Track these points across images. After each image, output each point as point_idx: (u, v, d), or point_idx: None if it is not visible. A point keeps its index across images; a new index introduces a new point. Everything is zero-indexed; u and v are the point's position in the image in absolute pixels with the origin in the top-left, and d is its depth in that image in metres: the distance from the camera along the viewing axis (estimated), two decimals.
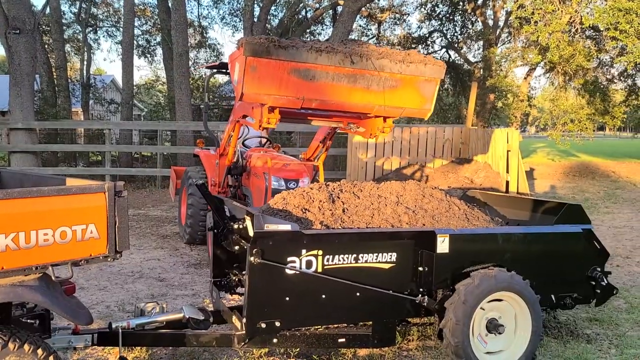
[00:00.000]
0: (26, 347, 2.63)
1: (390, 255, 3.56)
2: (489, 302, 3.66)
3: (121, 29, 21.41)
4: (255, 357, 3.89)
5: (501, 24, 22.41)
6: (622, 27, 11.46)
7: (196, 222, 7.26)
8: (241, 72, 4.53)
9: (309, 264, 3.37)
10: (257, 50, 4.44)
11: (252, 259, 3.22)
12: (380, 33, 26.15)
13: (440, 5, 24.24)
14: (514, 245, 3.91)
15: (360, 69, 4.76)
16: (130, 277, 6.12)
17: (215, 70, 7.63)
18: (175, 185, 8.39)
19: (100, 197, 2.75)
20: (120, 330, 3.33)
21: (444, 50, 25.54)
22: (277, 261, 3.30)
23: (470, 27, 24.85)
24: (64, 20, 22.37)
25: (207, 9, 42.31)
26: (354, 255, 3.47)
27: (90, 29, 25.60)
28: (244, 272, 3.46)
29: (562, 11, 12.57)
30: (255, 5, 18.28)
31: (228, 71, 7.42)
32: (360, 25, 25.69)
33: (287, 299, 3.35)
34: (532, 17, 12.82)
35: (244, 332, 3.35)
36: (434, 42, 25.62)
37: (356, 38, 26.00)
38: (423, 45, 25.39)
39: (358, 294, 3.49)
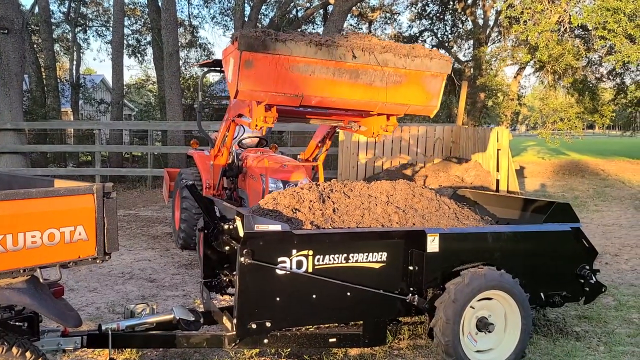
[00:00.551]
0: (14, 350, 2.61)
1: (381, 255, 3.57)
2: (478, 300, 3.69)
3: (111, 29, 21.28)
4: (246, 358, 3.88)
5: (491, 23, 22.51)
6: (610, 26, 11.55)
7: (190, 226, 6.92)
8: (236, 68, 4.28)
9: (299, 264, 3.37)
10: (252, 44, 4.17)
11: (242, 259, 3.21)
12: (371, 32, 26.17)
13: (431, 5, 24.33)
14: (503, 243, 3.93)
15: (362, 64, 4.49)
16: (120, 278, 6.09)
17: (208, 69, 7.40)
18: (169, 187, 8.18)
19: (88, 199, 2.73)
20: (110, 332, 3.32)
21: (434, 49, 25.61)
22: (268, 261, 3.29)
23: (460, 26, 24.96)
24: (53, 20, 22.19)
25: (198, 8, 42.03)
26: (345, 255, 3.48)
27: (80, 28, 25.42)
28: (234, 273, 3.46)
29: (551, 10, 12.65)
30: (246, 5, 18.24)
31: (222, 69, 7.31)
32: (351, 25, 25.71)
33: (278, 299, 3.35)
34: (521, 17, 12.89)
35: (234, 332, 3.35)
36: (425, 41, 25.68)
37: None
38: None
39: (349, 293, 3.50)
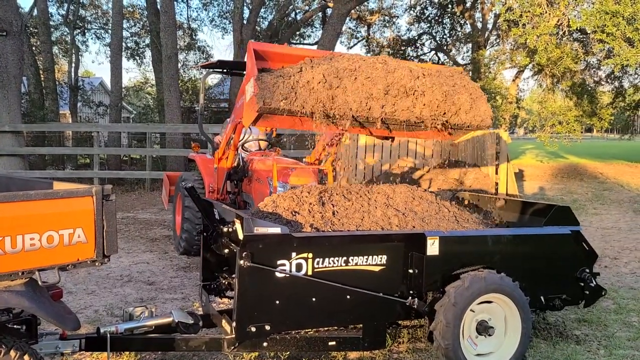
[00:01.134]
0: (12, 353, 2.60)
1: (381, 258, 3.56)
2: (478, 304, 3.67)
3: (110, 31, 21.28)
4: None
5: (490, 26, 22.60)
6: (608, 29, 11.58)
7: (192, 234, 6.63)
8: (252, 113, 3.88)
9: (299, 267, 3.36)
10: (271, 108, 3.78)
11: (241, 262, 3.20)
12: (370, 35, 26.24)
13: (430, 8, 24.41)
14: (503, 247, 3.92)
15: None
16: (119, 281, 6.07)
17: (211, 70, 7.24)
18: (168, 192, 7.99)
19: (87, 201, 2.72)
20: (108, 335, 3.30)
21: (433, 52, 25.71)
22: (267, 264, 3.28)
23: (459, 29, 25.04)
24: (51, 22, 22.20)
25: (197, 11, 42.07)
26: (344, 258, 3.47)
27: (79, 30, 25.42)
28: (233, 276, 3.45)
29: (549, 14, 12.68)
30: (245, 8, 18.26)
31: (225, 70, 7.24)
32: (349, 28, 25.80)
33: (277, 302, 3.33)
34: (520, 20, 12.92)
35: (233, 336, 3.33)
36: (423, 44, 25.79)
37: (345, 41, 26.09)
38: (412, 48, 25.54)
39: (348, 296, 3.48)
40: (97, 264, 2.79)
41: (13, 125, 12.96)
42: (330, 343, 3.63)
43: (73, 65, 24.57)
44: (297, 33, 24.17)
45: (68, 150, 17.48)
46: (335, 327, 3.78)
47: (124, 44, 22.29)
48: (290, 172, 5.95)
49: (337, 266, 3.45)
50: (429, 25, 24.82)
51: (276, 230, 3.34)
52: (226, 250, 3.88)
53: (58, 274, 2.69)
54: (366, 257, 3.53)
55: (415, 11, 24.56)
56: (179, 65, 20.10)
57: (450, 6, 23.47)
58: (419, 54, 25.84)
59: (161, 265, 6.80)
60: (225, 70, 7.21)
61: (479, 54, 19.85)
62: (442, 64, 25.18)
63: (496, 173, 9.84)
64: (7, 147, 12.95)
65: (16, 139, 13.20)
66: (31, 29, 20.19)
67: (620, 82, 21.28)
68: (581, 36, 16.47)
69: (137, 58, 26.53)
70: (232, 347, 3.41)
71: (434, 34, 25.08)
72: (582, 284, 4.14)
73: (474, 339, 3.72)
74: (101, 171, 14.07)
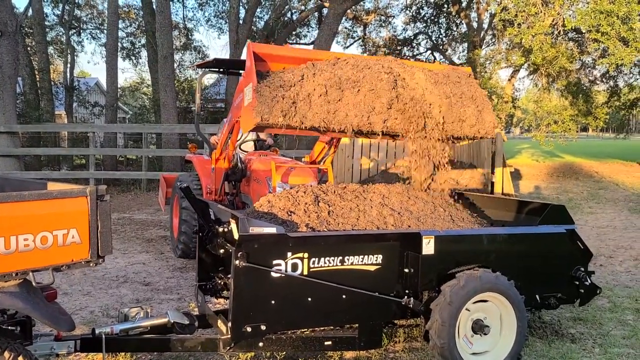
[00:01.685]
0: (7, 354, 2.58)
1: (376, 257, 3.56)
2: (474, 303, 3.68)
3: (105, 31, 21.24)
4: None
5: (485, 26, 22.64)
6: (603, 29, 11.61)
7: (190, 237, 6.56)
8: (249, 123, 3.85)
9: (294, 267, 3.35)
10: (269, 123, 3.77)
11: (237, 262, 3.19)
12: (366, 35, 26.25)
13: (425, 8, 24.44)
14: (498, 246, 3.92)
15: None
16: (114, 281, 6.06)
17: (207, 70, 7.12)
18: (165, 194, 7.86)
19: (82, 202, 2.71)
20: (103, 336, 3.29)
21: (429, 52, 25.74)
22: (263, 264, 3.28)
23: (454, 29, 25.08)
24: (46, 23, 22.16)
25: (192, 11, 42.09)
26: (340, 258, 3.46)
27: (74, 31, 25.37)
28: (229, 276, 3.44)
29: (544, 14, 12.71)
30: (241, 8, 18.24)
31: (221, 69, 7.19)
32: (346, 27, 25.80)
33: (273, 302, 3.33)
34: (515, 20, 12.95)
35: (229, 336, 3.32)
36: (419, 44, 25.83)
37: (342, 41, 26.10)
38: (408, 47, 25.57)
39: (344, 296, 3.48)
40: (91, 264, 2.79)
41: (8, 125, 12.92)
42: (326, 343, 3.63)
43: (68, 65, 24.51)
44: (293, 33, 24.18)
45: (64, 151, 17.44)
46: (331, 327, 3.78)
47: (119, 44, 22.24)
48: (289, 172, 5.86)
49: (333, 266, 3.45)
50: (424, 25, 24.85)
51: (272, 230, 3.33)
52: (222, 251, 3.88)
53: (52, 275, 2.68)
54: (362, 256, 3.52)
55: (411, 11, 24.60)
56: (175, 65, 20.06)
57: (446, 6, 23.51)
58: (415, 53, 25.88)
59: (157, 266, 6.78)
60: (221, 70, 7.17)
61: (475, 53, 19.87)
62: (438, 63, 25.21)
63: (492, 172, 9.87)
64: (3, 147, 12.91)
65: (11, 140, 13.15)
66: (26, 29, 20.13)
67: (615, 82, 21.35)
68: (576, 36, 16.53)
69: (133, 58, 26.53)
70: (228, 348, 3.40)
71: (430, 34, 25.12)
72: (577, 283, 4.15)
73: (470, 337, 3.72)
74: (97, 172, 14.04)
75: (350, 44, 26.76)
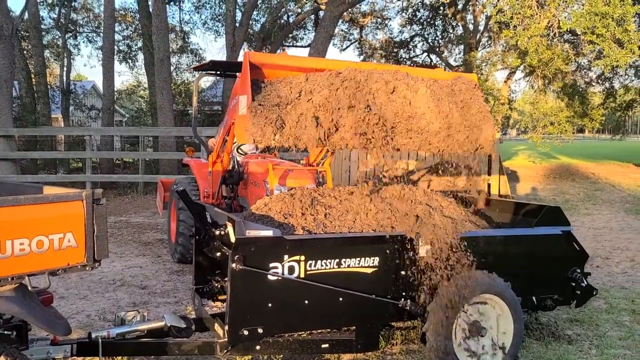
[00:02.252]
0: (3, 359, 2.58)
1: (373, 260, 3.56)
2: (471, 304, 3.68)
3: (102, 34, 21.22)
4: None
5: (481, 28, 22.70)
6: (598, 31, 11.65)
7: (188, 242, 6.37)
8: (243, 138, 3.80)
9: (291, 270, 3.35)
10: (260, 143, 3.74)
11: (234, 265, 3.19)
12: (363, 37, 26.29)
13: (421, 10, 24.49)
14: (495, 247, 3.93)
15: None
16: (111, 285, 6.05)
17: (204, 73, 7.11)
18: (163, 198, 7.82)
19: (78, 205, 2.71)
20: (100, 340, 3.28)
21: (425, 54, 25.80)
22: (259, 267, 3.28)
23: (451, 31, 25.13)
24: (43, 26, 22.11)
25: (189, 14, 42.05)
26: (337, 260, 3.46)
27: (70, 34, 25.35)
28: (226, 279, 3.44)
29: (540, 16, 12.75)
30: (237, 10, 18.26)
31: (218, 72, 7.18)
32: (342, 30, 25.82)
33: (270, 305, 3.33)
34: (511, 22, 12.98)
35: (226, 339, 3.32)
36: (416, 46, 25.88)
37: (338, 44, 26.14)
38: (405, 50, 25.62)
39: (341, 299, 3.48)
40: (87, 268, 2.78)
41: (4, 129, 12.90)
42: (323, 345, 3.63)
43: (65, 68, 24.47)
44: (290, 35, 24.20)
45: (60, 155, 17.40)
46: (328, 330, 3.78)
47: (116, 47, 22.22)
48: (287, 174, 5.81)
49: (330, 268, 3.45)
50: (421, 27, 24.89)
51: (268, 233, 3.34)
52: (218, 254, 3.88)
53: (48, 279, 2.68)
54: (358, 259, 3.52)
55: (407, 13, 24.63)
56: (172, 68, 20.07)
57: (442, 8, 23.56)
58: (411, 55, 25.93)
59: (154, 269, 6.77)
60: (218, 72, 7.17)
61: (471, 55, 19.93)
62: (435, 65, 25.28)
63: (489, 174, 9.88)
64: None
65: (8, 143, 13.13)
66: (22, 32, 20.10)
67: (610, 83, 21.44)
68: (572, 37, 16.59)
69: (130, 61, 26.48)
70: (225, 351, 3.39)
71: (426, 36, 25.16)
72: (574, 284, 4.16)
73: (467, 339, 3.73)
74: (93, 175, 14.02)
75: (347, 47, 26.80)
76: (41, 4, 22.03)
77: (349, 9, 20.44)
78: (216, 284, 4.14)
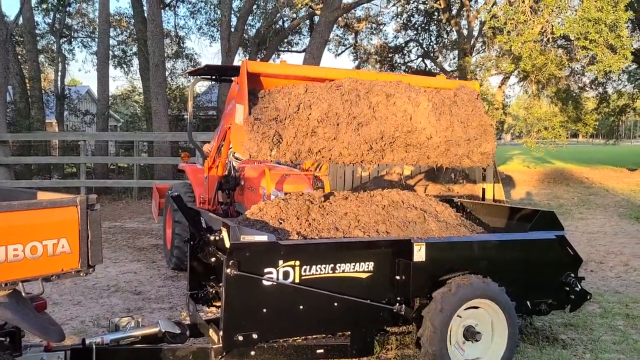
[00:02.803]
0: None
1: (368, 265, 3.56)
2: (465, 309, 3.69)
3: (96, 39, 21.19)
4: None
5: (475, 33, 22.78)
6: (591, 36, 11.73)
7: (184, 248, 6.27)
8: (239, 150, 3.89)
9: (286, 275, 3.35)
10: (257, 157, 3.80)
11: (228, 270, 3.19)
12: (357, 42, 26.36)
13: (416, 16, 24.59)
14: (489, 252, 3.94)
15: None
16: (105, 291, 6.02)
17: (199, 77, 7.09)
18: (158, 205, 7.74)
19: (72, 211, 2.70)
20: (94, 346, 3.27)
21: (420, 59, 25.89)
22: (254, 273, 3.27)
23: (445, 36, 25.24)
24: (37, 31, 22.07)
25: (184, 19, 42.09)
26: (331, 265, 3.47)
27: (65, 39, 25.29)
28: (220, 284, 3.43)
29: (533, 21, 12.82)
30: (232, 16, 18.27)
31: (213, 76, 7.17)
32: (337, 35, 25.88)
33: (265, 310, 3.33)
34: (505, 27, 13.05)
35: (221, 345, 3.31)
36: (410, 51, 25.96)
37: (333, 49, 26.20)
38: (400, 55, 25.70)
39: (336, 304, 3.48)
40: (81, 274, 2.77)
41: None
42: (318, 351, 3.62)
43: (59, 73, 24.42)
44: (285, 40, 24.23)
45: (54, 160, 17.35)
46: (323, 335, 3.78)
47: (111, 52, 22.19)
48: (284, 179, 5.77)
49: (324, 273, 3.45)
50: (415, 32, 24.99)
51: (263, 238, 3.34)
52: (213, 259, 3.87)
53: (42, 285, 2.67)
54: (353, 264, 3.53)
55: (402, 19, 24.72)
56: (167, 73, 20.04)
57: (436, 14, 23.67)
58: (406, 60, 26.02)
59: (149, 275, 6.75)
60: (213, 77, 7.16)
61: (465, 60, 19.99)
62: (429, 70, 25.39)
63: (483, 179, 9.91)
64: None
65: (1, 149, 13.07)
66: (17, 37, 20.06)
67: (604, 88, 21.57)
68: (565, 43, 16.68)
69: (125, 66, 26.45)
70: (220, 357, 3.39)
71: (421, 41, 25.25)
72: (568, 289, 4.17)
73: (461, 344, 3.73)
74: (88, 180, 13.96)
75: (342, 52, 26.87)
76: (36, 9, 22.00)
77: (344, 14, 20.50)
78: (211, 290, 4.14)
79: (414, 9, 24.29)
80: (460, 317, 3.70)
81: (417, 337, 3.66)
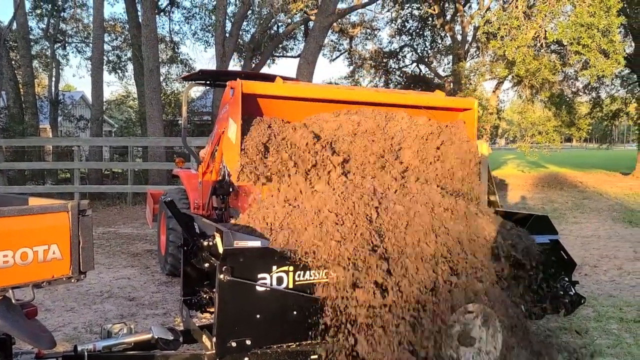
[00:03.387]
0: None
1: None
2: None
3: (91, 45, 21.16)
4: None
5: (469, 39, 22.91)
6: (584, 41, 11.82)
7: (178, 255, 6.25)
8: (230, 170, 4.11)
9: (279, 281, 3.33)
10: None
11: (221, 276, 3.17)
12: (352, 48, 26.45)
13: (410, 21, 24.70)
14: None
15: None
16: (98, 297, 5.98)
17: (194, 83, 7.10)
18: (153, 210, 7.73)
19: (63, 217, 2.68)
20: (86, 354, 3.23)
21: (414, 64, 25.99)
22: (248, 278, 3.25)
23: (439, 42, 25.38)
24: (31, 36, 22.01)
25: (179, 25, 42.01)
26: (325, 270, 3.45)
27: (59, 44, 25.25)
28: (214, 290, 3.41)
29: (527, 26, 12.90)
30: (227, 21, 18.29)
31: (208, 81, 7.14)
32: (332, 40, 25.96)
33: (258, 316, 3.30)
34: (498, 33, 13.13)
35: (214, 351, 3.29)
36: (405, 56, 26.08)
37: (328, 54, 26.26)
38: (394, 60, 25.80)
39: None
40: (73, 280, 2.75)
41: None
42: (312, 357, 3.60)
43: (53, 79, 24.36)
44: (280, 46, 24.28)
45: (48, 165, 17.25)
46: (317, 341, 3.75)
47: (105, 57, 22.18)
48: None
49: (319, 279, 3.43)
50: (410, 37, 25.11)
51: (256, 243, 3.32)
52: (206, 265, 3.84)
53: (32, 292, 2.64)
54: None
55: (397, 24, 24.83)
56: (161, 78, 20.03)
57: (430, 19, 23.79)
58: (400, 65, 26.12)
59: (142, 281, 6.71)
60: (208, 82, 7.15)
61: (460, 65, 20.09)
62: (424, 75, 25.48)
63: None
64: None
65: None
66: (10, 42, 19.98)
67: (597, 93, 21.71)
68: (558, 48, 16.79)
69: (119, 71, 26.41)
70: None
71: (415, 47, 25.38)
72: (562, 293, 4.17)
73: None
74: (82, 186, 13.91)
75: (337, 57, 26.95)
76: (30, 14, 21.96)
77: (339, 20, 20.56)
78: (204, 295, 4.11)
79: (408, 14, 24.42)
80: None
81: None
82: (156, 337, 3.52)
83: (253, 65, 21.18)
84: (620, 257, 7.96)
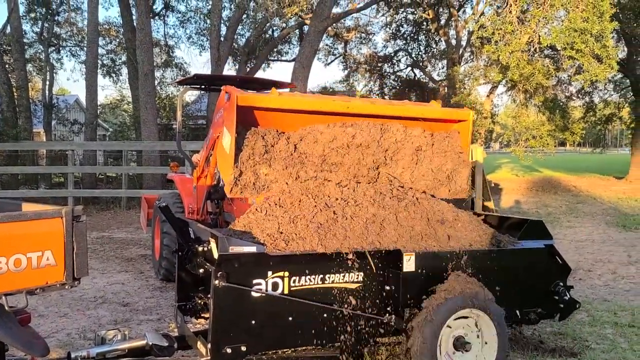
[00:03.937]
0: None
1: (357, 275, 3.55)
2: (455, 319, 3.68)
3: (85, 48, 21.08)
4: None
5: (464, 43, 23.01)
6: (578, 46, 11.89)
7: (172, 260, 6.25)
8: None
9: (275, 286, 3.33)
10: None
11: (216, 282, 3.16)
12: (347, 52, 26.50)
13: (405, 25, 24.79)
14: (478, 262, 3.94)
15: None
16: (92, 302, 5.94)
17: (188, 87, 7.09)
18: (147, 215, 7.69)
19: (57, 223, 2.67)
20: None
21: (409, 68, 26.07)
22: (243, 284, 3.24)
23: (434, 46, 25.47)
24: (25, 40, 21.89)
25: (174, 28, 42.01)
26: (321, 276, 3.45)
27: (53, 48, 25.14)
28: (209, 296, 3.40)
29: (521, 31, 12.97)
30: (222, 25, 18.29)
31: (202, 85, 7.12)
32: (327, 44, 26.01)
33: (253, 322, 3.29)
34: (492, 37, 13.18)
35: (209, 357, 3.27)
36: (400, 60, 26.15)
37: (323, 58, 26.30)
38: (389, 64, 25.87)
39: (325, 315, 3.46)
40: (67, 287, 2.73)
41: None
42: None
43: (47, 82, 24.24)
44: (275, 50, 24.28)
45: (42, 169, 17.17)
46: (313, 347, 3.74)
47: (99, 61, 22.08)
48: None
49: (314, 284, 3.43)
50: (404, 42, 25.19)
51: (252, 249, 3.31)
52: (201, 270, 3.83)
53: (26, 299, 2.63)
54: (343, 274, 3.51)
55: (391, 28, 24.92)
56: (156, 82, 19.99)
57: (425, 24, 23.87)
58: (395, 70, 26.19)
59: (136, 286, 6.68)
60: (202, 86, 7.13)
61: (454, 70, 20.17)
62: (418, 80, 25.55)
63: (472, 187, 9.92)
64: None
65: None
66: (4, 46, 19.88)
67: (590, 97, 21.84)
68: (552, 53, 16.88)
69: (113, 75, 26.29)
70: None
71: (410, 51, 25.46)
72: (557, 297, 4.18)
73: (452, 354, 3.72)
74: (76, 190, 13.85)
75: (332, 61, 27.00)
76: (24, 17, 21.87)
77: (334, 24, 20.61)
78: (199, 301, 4.09)
79: (403, 18, 24.50)
80: (450, 327, 3.68)
81: (407, 347, 3.64)
82: (150, 343, 3.50)
83: (248, 69, 21.18)
84: (614, 262, 7.99)
